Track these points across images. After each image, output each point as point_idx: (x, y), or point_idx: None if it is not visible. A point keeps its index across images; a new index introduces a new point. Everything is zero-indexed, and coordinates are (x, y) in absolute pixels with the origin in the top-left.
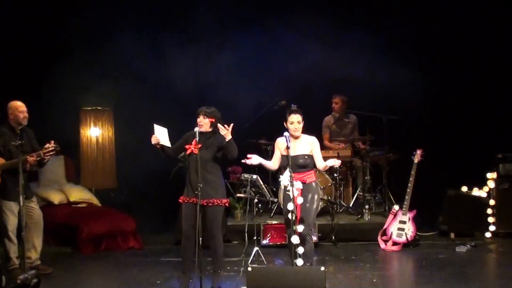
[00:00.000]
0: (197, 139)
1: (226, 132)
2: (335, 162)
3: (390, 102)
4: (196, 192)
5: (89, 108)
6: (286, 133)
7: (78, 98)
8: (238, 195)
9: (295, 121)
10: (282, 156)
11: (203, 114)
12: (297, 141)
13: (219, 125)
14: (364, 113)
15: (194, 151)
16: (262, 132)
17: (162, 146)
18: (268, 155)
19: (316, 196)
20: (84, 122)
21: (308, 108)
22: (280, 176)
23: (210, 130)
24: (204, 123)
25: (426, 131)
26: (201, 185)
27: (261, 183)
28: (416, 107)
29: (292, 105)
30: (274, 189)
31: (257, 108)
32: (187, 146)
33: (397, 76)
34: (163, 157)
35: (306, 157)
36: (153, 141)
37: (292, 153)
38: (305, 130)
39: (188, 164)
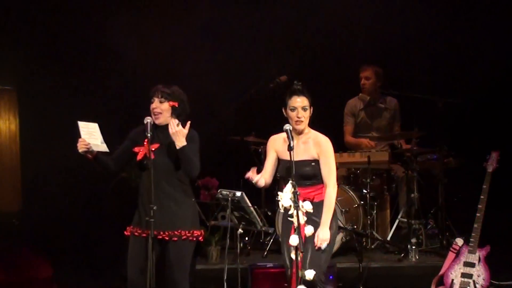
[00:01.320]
0: (149, 135)
1: (175, 132)
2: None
3: (450, 80)
4: (148, 219)
5: None
6: (287, 126)
7: None
8: (212, 223)
9: (298, 106)
10: (281, 161)
11: (158, 96)
12: (302, 138)
13: (172, 122)
14: (411, 95)
15: (148, 156)
16: (251, 125)
17: (96, 155)
18: (260, 161)
19: (334, 225)
20: None
21: (321, 88)
22: (279, 192)
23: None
24: (161, 110)
25: (505, 124)
26: (154, 207)
27: (249, 203)
28: (491, 87)
29: (296, 82)
30: (269, 212)
31: (245, 88)
32: (136, 149)
33: (464, 40)
34: (100, 171)
35: (313, 163)
36: (81, 147)
37: (294, 156)
38: (315, 124)
39: (140, 176)
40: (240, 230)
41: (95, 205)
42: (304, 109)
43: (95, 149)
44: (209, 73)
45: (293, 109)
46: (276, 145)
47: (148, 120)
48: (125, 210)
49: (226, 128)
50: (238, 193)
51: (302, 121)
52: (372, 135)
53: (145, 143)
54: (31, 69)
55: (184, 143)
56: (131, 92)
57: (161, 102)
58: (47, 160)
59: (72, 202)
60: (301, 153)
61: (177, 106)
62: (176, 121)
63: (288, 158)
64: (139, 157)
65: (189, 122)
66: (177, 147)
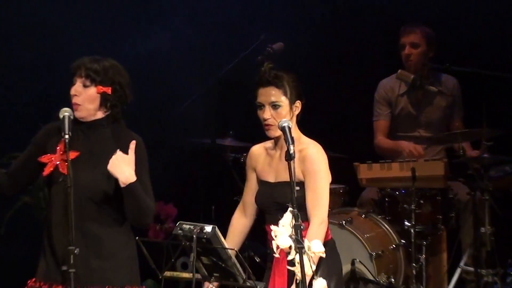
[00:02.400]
0: (67, 136)
1: (115, 164)
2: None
3: None
4: (66, 269)
5: None
6: (284, 122)
7: None
8: (168, 274)
9: (265, 102)
10: (260, 183)
11: (81, 76)
12: (280, 148)
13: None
14: (480, 72)
15: (61, 169)
16: (228, 121)
17: None
18: (242, 177)
19: (334, 279)
20: None
21: (335, 63)
22: (271, 226)
23: (105, 114)
24: (84, 99)
25: None
26: (76, 251)
27: (225, 244)
28: None
29: (266, 64)
30: (257, 258)
31: (217, 63)
32: (43, 159)
33: None
34: None
35: (298, 187)
36: None
37: (272, 176)
38: (315, 126)
39: (49, 201)
40: (212, 286)
41: None
42: (274, 106)
43: None
44: (160, 44)
45: (260, 106)
46: (257, 159)
47: (66, 113)
48: (27, 255)
49: (187, 127)
50: (208, 228)
51: (272, 126)
52: (418, 135)
53: (57, 148)
54: None
55: (133, 179)
56: (51, 73)
57: (85, 86)
58: None
59: None
60: (282, 172)
61: (109, 93)
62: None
63: (268, 179)
64: (46, 171)
65: (133, 143)
66: (121, 185)
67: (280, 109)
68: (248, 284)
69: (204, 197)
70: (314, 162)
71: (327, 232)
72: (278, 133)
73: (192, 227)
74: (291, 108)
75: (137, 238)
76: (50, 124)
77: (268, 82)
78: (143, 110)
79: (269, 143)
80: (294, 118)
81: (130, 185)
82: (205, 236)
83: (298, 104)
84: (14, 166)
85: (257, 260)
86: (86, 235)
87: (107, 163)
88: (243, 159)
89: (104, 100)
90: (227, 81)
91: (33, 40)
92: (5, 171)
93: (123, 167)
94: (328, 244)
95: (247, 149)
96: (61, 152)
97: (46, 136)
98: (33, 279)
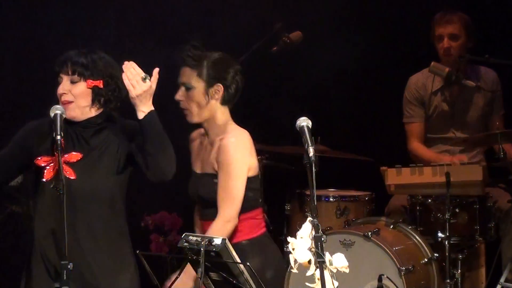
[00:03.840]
0: (59, 138)
1: (134, 83)
2: None
3: None
4: (59, 286)
5: None
6: (303, 121)
7: None
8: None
9: (179, 83)
10: (192, 173)
11: (68, 72)
12: (208, 137)
13: (130, 67)
14: None
15: (65, 173)
16: (241, 120)
17: None
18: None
19: (269, 272)
20: None
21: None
22: (288, 238)
23: (98, 112)
24: (73, 96)
25: None
26: (70, 267)
27: (236, 258)
28: None
29: (192, 42)
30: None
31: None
32: (40, 161)
33: None
34: None
35: (215, 179)
36: None
37: (196, 166)
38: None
39: (37, 209)
40: None
41: None
42: (186, 88)
43: None
44: (162, 32)
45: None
46: (192, 146)
47: (57, 111)
48: (13, 269)
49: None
50: (218, 240)
51: (184, 109)
52: (453, 136)
53: (56, 151)
54: None
55: (151, 108)
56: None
57: (73, 82)
58: None
59: None
60: (206, 163)
61: (101, 86)
62: (133, 65)
63: (195, 169)
64: (47, 175)
65: (156, 70)
66: (140, 116)
67: (191, 91)
68: None
69: None
70: (227, 152)
71: (260, 225)
72: (196, 119)
73: (199, 239)
74: (206, 92)
75: (138, 251)
76: (34, 123)
77: (184, 62)
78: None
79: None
80: (215, 102)
81: (152, 113)
82: (214, 249)
83: (218, 87)
84: None
85: (269, 277)
86: (83, 248)
87: (108, 165)
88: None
89: (97, 96)
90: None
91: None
92: None
93: (149, 97)
94: (259, 240)
95: (261, 152)
96: (64, 155)
97: (35, 135)
98: None
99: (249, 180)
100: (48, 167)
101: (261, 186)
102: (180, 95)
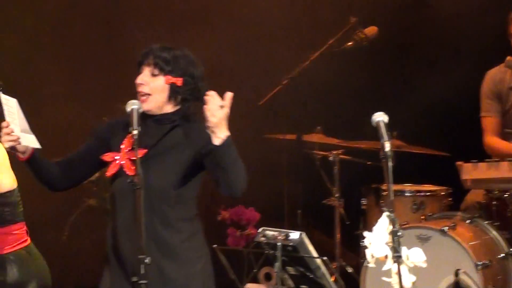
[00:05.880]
0: (136, 132)
1: (214, 112)
2: None
3: None
4: (136, 281)
5: None
6: (379, 116)
7: None
8: (249, 286)
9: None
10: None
11: (150, 64)
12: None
13: (212, 98)
14: None
15: (126, 169)
16: (316, 114)
17: (33, 154)
18: (331, 177)
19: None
20: None
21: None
22: (365, 233)
23: (175, 109)
24: (151, 89)
25: None
26: (147, 260)
27: (314, 252)
28: None
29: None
30: (349, 268)
31: (302, 50)
32: (107, 157)
33: None
34: (40, 182)
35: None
36: (6, 139)
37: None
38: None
39: (114, 204)
40: None
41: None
42: (153, 74)
43: (24, 143)
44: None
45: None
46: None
47: (134, 106)
48: (92, 262)
49: (269, 121)
50: (295, 235)
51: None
52: None
53: (121, 146)
54: None
55: (228, 133)
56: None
57: (153, 74)
58: None
59: None
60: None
61: (179, 85)
62: (215, 95)
63: None
64: (110, 171)
65: (229, 94)
66: (217, 142)
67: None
68: None
69: (289, 200)
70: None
71: (19, 239)
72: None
73: (276, 233)
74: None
75: (214, 246)
76: (115, 118)
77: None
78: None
79: None
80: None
81: (226, 142)
82: (291, 244)
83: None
84: (69, 159)
85: (349, 271)
86: (158, 241)
87: (178, 162)
88: (332, 157)
89: (174, 93)
90: (315, 70)
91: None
92: (56, 162)
93: (224, 123)
94: (17, 254)
95: (337, 147)
96: (126, 150)
97: (111, 131)
98: None
99: (3, 195)
100: (111, 163)
101: (19, 201)
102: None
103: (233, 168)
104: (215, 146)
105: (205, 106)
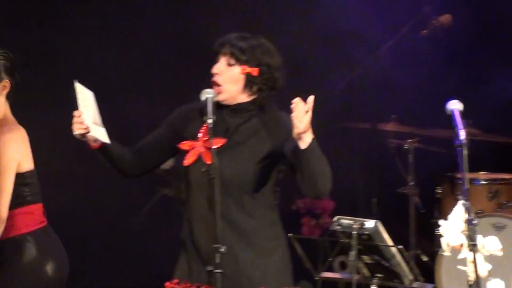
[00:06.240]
0: (211, 121)
1: (301, 119)
2: None
3: None
4: (211, 270)
5: None
6: (453, 105)
7: None
8: (325, 275)
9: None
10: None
11: (226, 54)
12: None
13: (297, 102)
14: None
15: (204, 158)
16: (390, 103)
17: (103, 144)
18: (406, 165)
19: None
20: None
21: None
22: (440, 221)
23: (250, 98)
24: (226, 79)
25: None
26: (223, 249)
27: (389, 241)
28: None
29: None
30: (424, 257)
31: (377, 38)
32: (184, 145)
33: None
34: (110, 170)
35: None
36: (78, 127)
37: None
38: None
39: (190, 193)
40: None
41: (118, 246)
42: (229, 63)
43: (93, 133)
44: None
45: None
46: None
47: (208, 95)
48: (167, 252)
49: (343, 110)
50: (370, 223)
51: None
52: None
53: (199, 135)
54: None
55: (312, 136)
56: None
57: (229, 64)
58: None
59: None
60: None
61: (255, 74)
62: (299, 102)
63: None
64: (188, 160)
65: (311, 98)
66: (303, 146)
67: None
68: (415, 285)
69: (364, 189)
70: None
71: (38, 219)
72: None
73: (351, 222)
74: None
75: (290, 234)
76: (186, 106)
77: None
78: (293, 91)
79: None
80: (2, 99)
81: (311, 146)
82: (366, 232)
83: (5, 83)
84: (142, 146)
85: (424, 259)
86: (234, 230)
87: (256, 152)
88: (407, 146)
89: (249, 83)
90: (388, 58)
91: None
92: (129, 149)
93: (309, 126)
94: (35, 234)
95: (412, 135)
96: (205, 139)
97: (184, 119)
98: (175, 280)
99: (22, 176)
100: (188, 152)
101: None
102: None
103: (318, 171)
104: (301, 150)
105: (292, 115)
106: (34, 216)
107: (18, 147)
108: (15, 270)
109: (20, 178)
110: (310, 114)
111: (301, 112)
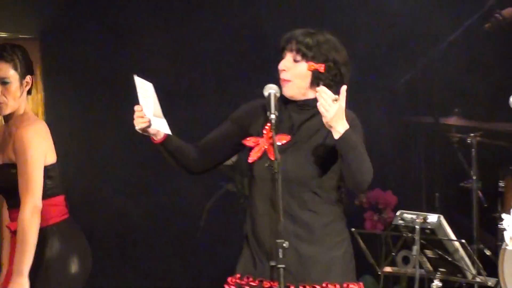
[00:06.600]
0: (274, 117)
1: (327, 107)
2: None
3: None
4: (274, 265)
5: None
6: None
7: None
8: (388, 270)
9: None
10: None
11: (292, 50)
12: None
13: (322, 90)
14: None
15: (269, 155)
16: (453, 97)
17: (167, 137)
18: (469, 160)
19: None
20: None
21: None
22: (503, 215)
23: (316, 96)
24: (292, 75)
25: None
26: (286, 245)
27: (452, 235)
28: None
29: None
30: (487, 251)
31: (438, 31)
32: (248, 142)
33: None
34: (173, 166)
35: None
36: (139, 122)
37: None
38: None
39: (253, 188)
40: (437, 283)
41: (180, 241)
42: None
43: (154, 126)
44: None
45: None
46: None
47: (271, 90)
48: (230, 248)
49: (406, 104)
50: (433, 217)
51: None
52: None
53: (264, 131)
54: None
55: (347, 126)
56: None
57: (295, 60)
58: (84, 160)
59: (142, 238)
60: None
61: (322, 71)
62: (325, 90)
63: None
64: (253, 156)
65: (344, 88)
66: (336, 137)
67: (9, 85)
68: (479, 280)
69: (427, 183)
70: (22, 141)
71: (61, 212)
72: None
73: (414, 216)
74: (21, 84)
75: (353, 229)
76: (251, 102)
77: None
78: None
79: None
80: (25, 95)
81: (345, 136)
82: (429, 227)
83: (28, 79)
84: (206, 142)
85: (487, 253)
86: (297, 226)
87: (320, 148)
88: (470, 140)
89: (316, 79)
90: (451, 52)
91: None
92: (193, 145)
93: (340, 117)
94: (59, 226)
95: (475, 129)
96: (269, 136)
97: (250, 115)
98: (238, 275)
99: (47, 168)
100: (253, 148)
101: (60, 174)
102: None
103: (354, 162)
104: (335, 140)
105: (317, 104)
106: (58, 208)
107: (44, 141)
108: (40, 262)
109: (44, 171)
110: (341, 104)
111: (327, 100)
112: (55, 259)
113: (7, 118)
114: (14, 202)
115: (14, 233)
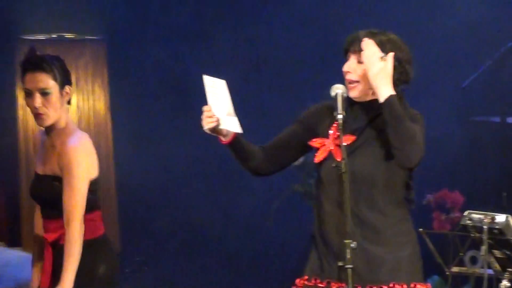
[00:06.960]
0: (341, 117)
1: (372, 60)
2: None
3: None
4: (342, 266)
5: (43, 38)
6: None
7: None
8: (455, 270)
9: (33, 88)
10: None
11: (356, 52)
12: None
13: (367, 41)
14: None
15: (335, 156)
16: None
17: (236, 137)
18: None
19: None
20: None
21: None
22: None
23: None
24: (358, 76)
25: None
26: (354, 245)
27: None
28: None
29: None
30: None
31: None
32: (314, 143)
33: None
34: (242, 167)
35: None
36: (207, 122)
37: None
38: None
39: (320, 189)
40: (506, 283)
41: (249, 241)
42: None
43: (224, 126)
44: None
45: (27, 93)
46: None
47: (338, 90)
48: (298, 249)
49: (472, 103)
50: (501, 217)
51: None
52: None
53: (330, 132)
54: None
55: (392, 92)
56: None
57: (359, 62)
58: (151, 161)
59: (209, 240)
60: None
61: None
62: (371, 43)
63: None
64: (318, 157)
65: (392, 54)
66: (381, 100)
67: (49, 96)
68: None
69: (494, 183)
70: (69, 156)
71: (99, 227)
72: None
73: (482, 216)
74: (61, 94)
75: (420, 229)
76: (318, 104)
77: (37, 66)
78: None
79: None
80: (66, 106)
81: (389, 100)
82: (497, 227)
83: (67, 89)
84: (273, 144)
85: None
86: (364, 226)
87: (379, 151)
88: None
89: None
90: None
91: None
92: (260, 146)
93: (384, 77)
94: (96, 241)
95: None
96: (335, 136)
97: (317, 116)
98: (305, 277)
99: (90, 182)
100: (319, 149)
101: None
102: (38, 102)
103: (399, 130)
104: (380, 103)
105: (362, 53)
106: (95, 224)
107: (89, 156)
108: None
109: (90, 184)
110: (388, 65)
111: (373, 54)
112: (84, 274)
113: (49, 129)
114: (52, 214)
115: (50, 244)
